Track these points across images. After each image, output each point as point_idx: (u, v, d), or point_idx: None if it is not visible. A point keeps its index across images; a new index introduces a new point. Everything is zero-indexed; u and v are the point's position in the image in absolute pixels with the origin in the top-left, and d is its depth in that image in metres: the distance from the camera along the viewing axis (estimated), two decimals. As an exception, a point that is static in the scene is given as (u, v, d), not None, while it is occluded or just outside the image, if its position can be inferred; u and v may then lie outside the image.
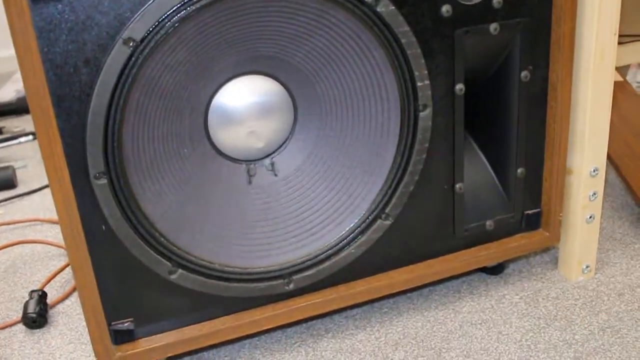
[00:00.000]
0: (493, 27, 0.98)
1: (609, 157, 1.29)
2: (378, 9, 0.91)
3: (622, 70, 1.63)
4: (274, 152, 1.03)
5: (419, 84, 0.97)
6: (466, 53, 0.99)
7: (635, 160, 1.29)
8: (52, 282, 1.27)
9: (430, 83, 0.98)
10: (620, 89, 1.43)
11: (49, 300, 1.21)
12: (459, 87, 1.00)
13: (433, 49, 0.96)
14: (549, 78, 1.05)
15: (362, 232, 1.03)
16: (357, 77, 0.98)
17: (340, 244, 1.02)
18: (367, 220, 1.02)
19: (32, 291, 1.20)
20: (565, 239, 1.15)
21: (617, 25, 1.02)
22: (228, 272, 0.99)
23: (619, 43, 1.55)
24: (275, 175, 1.02)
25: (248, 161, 1.02)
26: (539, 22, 1.01)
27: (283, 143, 1.03)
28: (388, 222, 1.03)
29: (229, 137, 0.99)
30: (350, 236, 1.02)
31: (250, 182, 1.02)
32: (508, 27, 0.99)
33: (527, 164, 1.09)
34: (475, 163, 1.11)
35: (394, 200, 1.02)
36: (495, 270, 1.18)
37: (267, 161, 1.03)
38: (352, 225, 1.02)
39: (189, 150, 0.97)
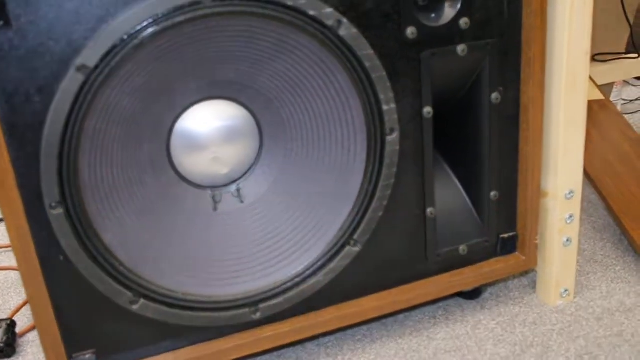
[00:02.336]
0: (460, 48, 0.96)
1: (589, 177, 1.27)
2: (340, 33, 0.89)
3: (605, 88, 1.61)
4: (240, 178, 1.01)
5: (385, 107, 0.95)
6: (434, 75, 0.97)
7: (615, 180, 1.26)
8: (22, 310, 1.25)
9: (397, 106, 0.95)
10: (602, 107, 1.40)
11: (18, 329, 1.18)
12: (427, 110, 0.98)
13: (399, 72, 0.94)
14: (521, 99, 1.03)
15: (330, 259, 1.00)
16: (321, 101, 0.96)
17: (308, 272, 1.00)
18: (335, 247, 1.00)
19: (0, 320, 1.17)
20: (542, 262, 1.13)
21: (589, 45, 1.00)
22: (192, 302, 0.96)
23: (601, 61, 1.53)
24: (242, 201, 1.00)
25: (213, 187, 1.00)
26: (509, 43, 0.99)
27: (249, 169, 1.01)
28: (356, 249, 1.00)
29: (192, 163, 0.97)
30: (318, 263, 1.00)
31: (215, 209, 0.99)
32: (476, 48, 0.97)
33: (501, 187, 1.06)
34: (448, 187, 1.09)
35: (362, 226, 1.00)
36: (472, 294, 1.16)
37: (233, 187, 1.01)
38: (319, 252, 1.00)
39: (151, 177, 0.95)
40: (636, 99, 1.86)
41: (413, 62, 0.95)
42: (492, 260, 1.11)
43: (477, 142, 1.05)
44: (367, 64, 0.92)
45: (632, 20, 1.54)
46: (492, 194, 1.06)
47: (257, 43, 0.90)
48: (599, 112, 1.38)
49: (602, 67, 1.53)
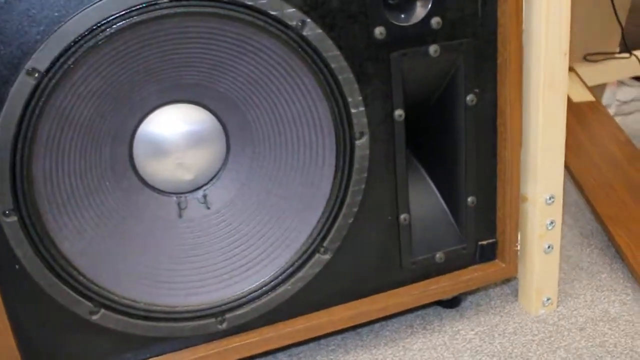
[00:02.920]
0: (433, 49, 0.93)
1: (575, 181, 1.23)
2: (304, 33, 0.86)
3: (598, 89, 1.56)
4: (206, 183, 0.98)
5: (353, 110, 0.91)
6: (405, 77, 0.94)
7: (603, 185, 1.22)
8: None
9: (366, 109, 0.92)
10: (592, 109, 1.37)
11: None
12: (398, 113, 0.94)
13: (368, 74, 0.91)
14: (498, 101, 0.99)
15: (299, 268, 0.97)
16: (288, 104, 0.92)
17: (276, 280, 0.97)
18: (304, 255, 0.97)
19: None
20: (523, 270, 1.09)
21: (567, 45, 0.96)
22: (155, 311, 0.93)
23: (593, 61, 1.49)
24: (208, 208, 0.97)
25: (179, 194, 0.97)
26: (484, 43, 0.96)
27: (216, 174, 0.97)
28: (326, 257, 0.97)
29: (156, 169, 0.94)
30: (287, 272, 0.97)
31: (180, 216, 0.96)
32: (449, 48, 0.94)
33: (478, 192, 1.03)
34: (424, 192, 1.05)
35: (332, 233, 0.97)
36: (451, 303, 1.12)
37: (199, 193, 0.97)
38: (288, 260, 0.97)
39: (112, 183, 0.92)
40: (632, 100, 1.81)
41: (382, 63, 0.91)
42: (471, 268, 1.07)
43: (453, 146, 1.01)
44: (333, 66, 0.89)
45: (624, 19, 1.49)
46: (469, 199, 1.03)
47: (218, 44, 0.87)
48: (588, 114, 1.35)
49: (593, 68, 1.49)
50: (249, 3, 0.83)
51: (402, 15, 0.91)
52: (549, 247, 1.06)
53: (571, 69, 1.45)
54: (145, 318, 0.93)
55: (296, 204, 0.97)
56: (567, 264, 1.20)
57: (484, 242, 1.06)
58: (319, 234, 0.97)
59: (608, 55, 1.51)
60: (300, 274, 0.97)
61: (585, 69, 1.47)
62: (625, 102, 1.81)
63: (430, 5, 0.91)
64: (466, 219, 1.04)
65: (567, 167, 1.26)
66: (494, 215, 1.06)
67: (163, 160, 0.94)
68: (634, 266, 1.11)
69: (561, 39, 0.96)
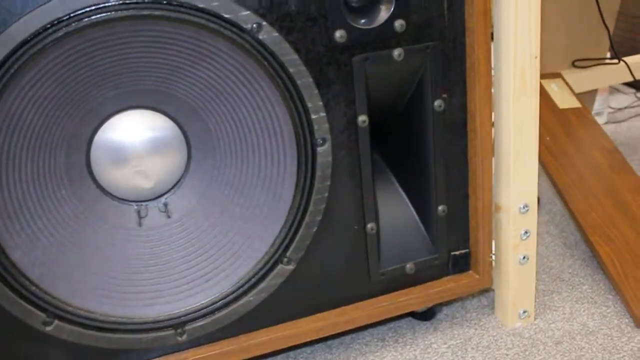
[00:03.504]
0: (397, 52, 0.90)
1: (557, 189, 1.19)
2: (260, 37, 0.84)
3: (586, 96, 1.53)
4: (167, 192, 0.95)
5: (313, 116, 0.89)
6: (369, 81, 0.91)
7: (586, 193, 1.19)
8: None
9: (328, 115, 0.89)
10: (578, 116, 1.33)
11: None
12: (362, 118, 0.91)
13: (328, 78, 0.88)
14: (467, 106, 0.96)
15: (261, 278, 0.94)
16: (247, 110, 0.90)
17: (238, 291, 0.94)
18: (267, 265, 0.94)
19: None
20: (499, 282, 1.05)
21: (538, 48, 0.93)
22: (111, 322, 0.91)
23: (581, 67, 1.45)
24: (169, 216, 0.95)
25: (139, 202, 0.94)
26: (451, 46, 0.93)
27: (177, 182, 0.95)
28: (290, 267, 0.94)
29: (115, 176, 0.92)
30: (249, 282, 0.94)
31: (140, 225, 0.94)
32: (414, 52, 0.91)
33: (449, 200, 1.00)
34: (394, 200, 1.02)
35: (295, 242, 0.94)
36: (425, 315, 1.09)
37: (160, 202, 0.95)
38: (250, 270, 0.94)
39: (68, 191, 0.89)
40: (625, 107, 1.77)
41: (344, 68, 0.89)
42: (443, 280, 1.04)
43: (422, 153, 0.98)
44: (291, 70, 0.86)
45: (611, 25, 1.46)
46: (440, 208, 0.99)
47: (173, 49, 0.85)
48: (574, 120, 1.31)
49: (581, 74, 1.45)
50: (201, 5, 0.81)
51: (364, 18, 0.88)
52: (524, 257, 1.02)
53: (558, 75, 1.42)
54: (101, 329, 0.91)
55: (258, 212, 0.94)
56: (547, 275, 1.16)
57: (457, 253, 1.03)
58: (281, 244, 0.94)
59: (597, 61, 1.47)
60: (263, 285, 0.94)
61: (573, 76, 1.43)
62: (618, 110, 1.77)
63: (393, 8, 0.88)
64: (437, 229, 1.01)
65: (550, 175, 1.23)
66: (466, 225, 1.02)
67: (122, 167, 0.91)
68: (614, 277, 1.08)
69: (531, 41, 0.93)
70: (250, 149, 0.92)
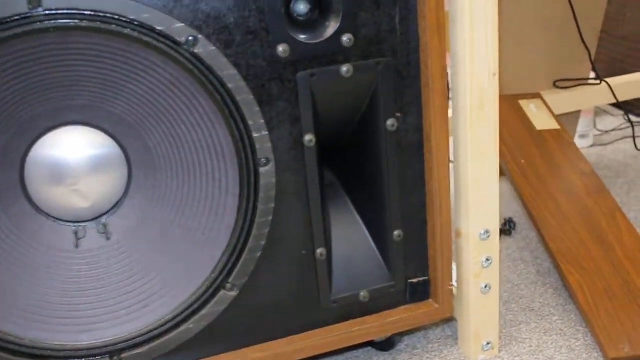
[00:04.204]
0: (345, 68, 0.85)
1: (530, 214, 1.14)
2: (196, 50, 0.79)
3: (569, 117, 1.47)
4: (107, 212, 0.91)
5: (255, 135, 0.84)
6: (315, 99, 0.86)
7: (559, 219, 1.13)
8: None
9: (271, 134, 0.85)
10: (555, 137, 1.28)
11: None
12: (309, 138, 0.87)
13: (271, 95, 0.84)
14: (423, 126, 0.91)
15: (202, 305, 0.89)
16: (187, 127, 0.85)
17: (178, 318, 0.89)
18: (209, 291, 0.89)
19: None
20: (460, 311, 1.00)
21: (496, 65, 0.88)
22: (42, 349, 0.87)
23: (563, 88, 1.40)
24: (108, 238, 0.90)
25: (77, 222, 0.90)
26: (405, 63, 0.88)
27: (117, 202, 0.90)
28: (233, 293, 0.89)
29: (50, 195, 0.87)
30: (189, 309, 0.89)
31: (77, 246, 0.89)
32: (364, 68, 0.86)
33: (406, 225, 0.94)
34: (348, 224, 0.97)
35: (238, 268, 0.89)
36: (384, 345, 1.03)
37: (100, 222, 0.90)
38: (190, 296, 0.89)
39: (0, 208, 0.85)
40: (612, 130, 1.71)
41: (288, 84, 0.84)
42: (401, 308, 0.98)
43: (377, 175, 0.93)
44: (230, 86, 0.82)
45: (594, 44, 1.41)
46: (396, 233, 0.94)
47: (105, 62, 0.81)
48: (551, 142, 1.26)
49: (562, 95, 1.40)
50: (131, 17, 0.77)
51: (309, 32, 0.84)
52: (486, 286, 0.97)
53: (538, 96, 1.37)
54: (31, 356, 0.86)
55: (200, 235, 0.89)
56: (517, 305, 1.11)
57: (415, 280, 0.98)
58: (224, 269, 0.89)
59: (580, 81, 1.41)
60: (204, 312, 0.90)
61: (553, 96, 1.38)
62: (605, 132, 1.71)
63: (340, 22, 0.84)
64: (393, 255, 0.96)
65: (523, 199, 1.17)
66: (425, 251, 0.97)
67: (57, 186, 0.87)
68: (584, 308, 1.02)
69: (489, 58, 0.88)
70: (191, 169, 0.88)
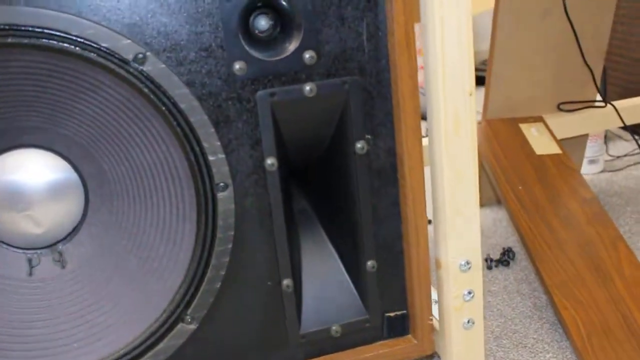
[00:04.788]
0: (308, 87, 0.80)
1: (524, 243, 1.07)
2: (145, 68, 0.75)
3: (575, 142, 1.40)
4: (63, 239, 0.86)
5: (211, 158, 0.79)
6: (277, 120, 0.81)
7: (555, 249, 1.06)
8: None
9: (229, 157, 0.80)
10: (556, 162, 1.21)
11: None
12: (270, 161, 0.81)
13: (228, 116, 0.79)
14: (396, 150, 0.85)
15: (159, 338, 0.84)
16: (141, 150, 0.81)
17: (133, 352, 0.84)
18: (166, 324, 0.84)
19: None
20: (443, 347, 0.93)
21: (472, 84, 0.82)
22: (-14, 386, 0.81)
23: (567, 111, 1.33)
24: (63, 267, 0.85)
25: (32, 249, 0.86)
26: (374, 82, 0.83)
27: (74, 229, 0.86)
28: (192, 327, 0.84)
29: (1, 220, 0.83)
30: (145, 343, 0.84)
31: (30, 274, 0.85)
32: (329, 87, 0.81)
33: (381, 255, 0.88)
34: (321, 254, 0.92)
35: (197, 299, 0.84)
36: (362, 384, 0.96)
37: (55, 250, 0.86)
38: (147, 329, 0.84)
39: (-55, 235, 0.81)
40: (624, 155, 1.63)
41: (247, 104, 0.79)
42: (377, 344, 0.92)
43: (348, 201, 0.87)
44: (182, 106, 0.77)
45: (599, 65, 1.33)
46: (369, 263, 0.88)
47: (51, 81, 0.77)
48: (551, 168, 1.19)
49: (566, 118, 1.33)
50: (74, 33, 0.73)
51: (268, 49, 0.79)
52: (468, 321, 0.90)
53: (540, 119, 1.30)
54: (-25, 392, 0.81)
55: (157, 264, 0.84)
56: (509, 341, 1.03)
57: (392, 314, 0.91)
58: (181, 300, 0.84)
59: (585, 104, 1.34)
60: (161, 346, 0.84)
61: (556, 120, 1.31)
62: (617, 157, 1.63)
63: (302, 38, 0.79)
64: (367, 287, 0.89)
65: (518, 228, 1.10)
66: (402, 283, 0.91)
67: (8, 211, 0.83)
68: (578, 345, 0.94)
69: (464, 76, 0.82)
70: (147, 194, 0.83)
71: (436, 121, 0.84)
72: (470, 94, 0.83)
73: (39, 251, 0.86)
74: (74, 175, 0.85)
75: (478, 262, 0.89)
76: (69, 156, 0.84)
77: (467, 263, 0.88)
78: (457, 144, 0.84)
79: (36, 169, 0.83)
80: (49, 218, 0.85)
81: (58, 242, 0.87)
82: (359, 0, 0.80)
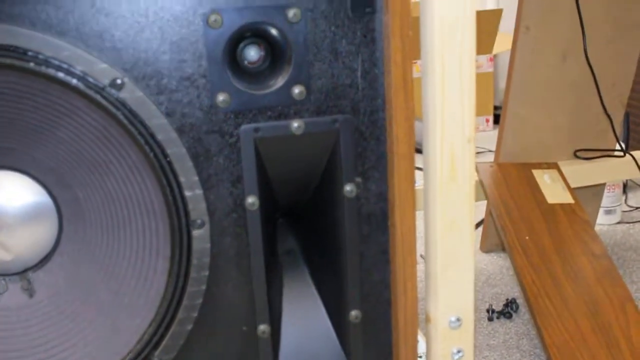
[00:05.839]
0: (296, 124, 0.75)
1: (527, 299, 1.00)
2: (121, 95, 0.71)
3: (592, 190, 1.33)
4: (34, 266, 0.82)
5: (187, 193, 0.74)
6: (261, 157, 0.76)
7: (559, 307, 0.99)
8: None
9: (207, 193, 0.75)
10: (568, 213, 1.14)
11: None
12: (251, 200, 0.76)
13: (208, 150, 0.74)
14: (388, 195, 0.80)
15: (124, 380, 0.79)
16: (117, 180, 0.77)
17: (96, 393, 0.79)
18: (132, 365, 0.79)
19: None
20: (429, 407, 0.87)
21: (472, 130, 0.77)
22: (-60, 419, 0.77)
23: (584, 158, 1.27)
24: (31, 296, 0.81)
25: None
26: (367, 121, 0.78)
27: (45, 256, 0.82)
28: (159, 370, 0.79)
29: (-31, 245, 0.79)
30: (109, 384, 0.79)
31: (-4, 303, 0.81)
32: (318, 125, 0.76)
33: (366, 305, 0.83)
34: (304, 299, 0.87)
35: (166, 340, 0.79)
36: None
37: (24, 277, 0.82)
38: (112, 369, 0.79)
39: None
40: (645, 206, 1.56)
41: (229, 139, 0.75)
42: (358, 400, 0.86)
43: (334, 246, 0.82)
44: (159, 137, 0.73)
45: (620, 112, 1.27)
46: (353, 313, 0.83)
47: (24, 103, 0.73)
48: (562, 218, 1.12)
49: (582, 166, 1.27)
50: (48, 54, 0.69)
51: (255, 81, 0.75)
52: (457, 382, 0.84)
53: (554, 166, 1.24)
54: None
55: (127, 300, 0.80)
56: (504, 402, 0.97)
57: (376, 368, 0.85)
58: (150, 340, 0.79)
59: (602, 152, 1.28)
60: (125, 388, 0.79)
61: (571, 167, 1.25)
62: (636, 208, 1.55)
63: (291, 70, 0.74)
64: (351, 338, 0.84)
65: (520, 281, 1.04)
66: (388, 336, 0.85)
67: (-23, 235, 0.79)
68: (575, 415, 0.87)
69: (464, 121, 0.77)
70: (121, 225, 0.79)
71: (432, 166, 0.78)
72: (469, 141, 0.77)
73: (7, 278, 0.82)
74: (48, 201, 0.81)
75: (470, 319, 0.83)
76: (44, 181, 0.80)
77: (458, 320, 0.83)
78: (452, 192, 0.79)
79: (9, 192, 0.79)
80: (20, 244, 0.81)
81: (28, 269, 0.82)
82: (355, 34, 0.75)
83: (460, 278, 0.82)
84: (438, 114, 0.76)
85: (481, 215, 1.44)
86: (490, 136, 2.31)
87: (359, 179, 0.79)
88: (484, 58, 2.39)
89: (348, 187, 0.79)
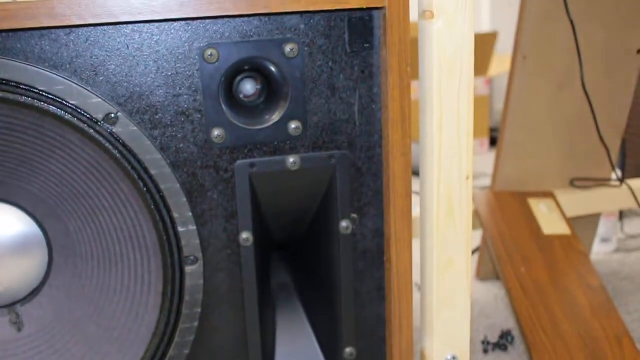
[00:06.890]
0: (292, 160, 0.74)
1: (523, 333, 0.99)
2: (115, 130, 0.69)
3: (584, 219, 1.33)
4: (23, 299, 0.80)
5: (181, 229, 0.73)
6: (256, 192, 0.75)
7: (555, 342, 0.98)
8: None
9: (200, 229, 0.74)
10: (564, 245, 1.13)
11: None
12: (245, 236, 0.75)
13: (202, 186, 0.73)
14: (384, 231, 0.79)
15: (114, 418, 0.77)
16: (109, 214, 0.75)
17: None
18: (122, 403, 0.77)
19: None
20: None
21: (470, 167, 0.76)
22: None
23: (580, 187, 1.26)
24: (19, 329, 0.79)
25: (-12, 309, 0.80)
26: (364, 157, 0.77)
27: (35, 290, 0.80)
28: (149, 407, 0.77)
29: (-42, 277, 0.78)
30: (98, 421, 0.77)
31: (-17, 337, 0.79)
32: (314, 161, 0.75)
33: (361, 342, 0.82)
34: (298, 335, 0.85)
35: (156, 378, 0.77)
36: None
37: (13, 310, 0.80)
38: (100, 406, 0.77)
39: None
40: (640, 235, 1.55)
41: (224, 174, 0.73)
42: None
43: (329, 282, 0.81)
44: (153, 172, 0.72)
45: (617, 141, 1.27)
46: (347, 350, 0.81)
47: (16, 136, 0.72)
48: (558, 250, 1.12)
49: (578, 195, 1.26)
50: (42, 88, 0.68)
51: (250, 117, 0.73)
52: (452, 421, 0.82)
53: (550, 195, 1.23)
54: None
55: (117, 336, 0.78)
56: None
57: (370, 407, 0.84)
58: (140, 378, 0.77)
59: (599, 182, 1.27)
60: None
61: (568, 196, 1.24)
62: (632, 237, 1.55)
63: (288, 106, 0.73)
64: (345, 375, 0.82)
65: (516, 313, 1.03)
66: (383, 373, 0.84)
67: (-34, 267, 0.77)
68: None
69: (462, 159, 0.76)
70: (113, 260, 0.77)
71: (429, 204, 0.77)
72: (468, 178, 0.76)
73: (-5, 311, 0.80)
74: (38, 233, 0.80)
75: (466, 356, 0.82)
76: (34, 213, 0.79)
77: (454, 358, 0.81)
78: (449, 230, 0.78)
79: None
80: (9, 276, 0.79)
81: (16, 302, 0.81)
82: (352, 70, 0.74)
83: (456, 316, 0.80)
84: (436, 150, 0.75)
85: (477, 242, 1.43)
86: (486, 159, 2.31)
87: (354, 215, 0.78)
88: (479, 81, 2.39)
89: (344, 224, 0.78)
